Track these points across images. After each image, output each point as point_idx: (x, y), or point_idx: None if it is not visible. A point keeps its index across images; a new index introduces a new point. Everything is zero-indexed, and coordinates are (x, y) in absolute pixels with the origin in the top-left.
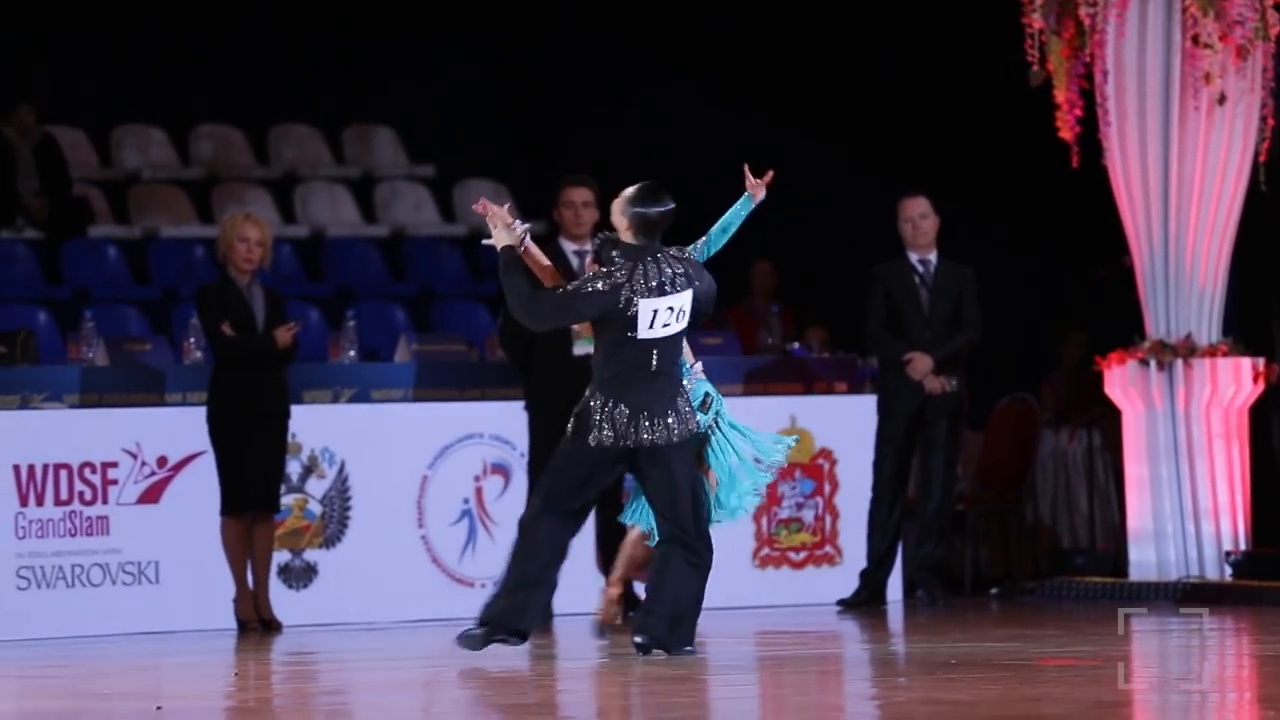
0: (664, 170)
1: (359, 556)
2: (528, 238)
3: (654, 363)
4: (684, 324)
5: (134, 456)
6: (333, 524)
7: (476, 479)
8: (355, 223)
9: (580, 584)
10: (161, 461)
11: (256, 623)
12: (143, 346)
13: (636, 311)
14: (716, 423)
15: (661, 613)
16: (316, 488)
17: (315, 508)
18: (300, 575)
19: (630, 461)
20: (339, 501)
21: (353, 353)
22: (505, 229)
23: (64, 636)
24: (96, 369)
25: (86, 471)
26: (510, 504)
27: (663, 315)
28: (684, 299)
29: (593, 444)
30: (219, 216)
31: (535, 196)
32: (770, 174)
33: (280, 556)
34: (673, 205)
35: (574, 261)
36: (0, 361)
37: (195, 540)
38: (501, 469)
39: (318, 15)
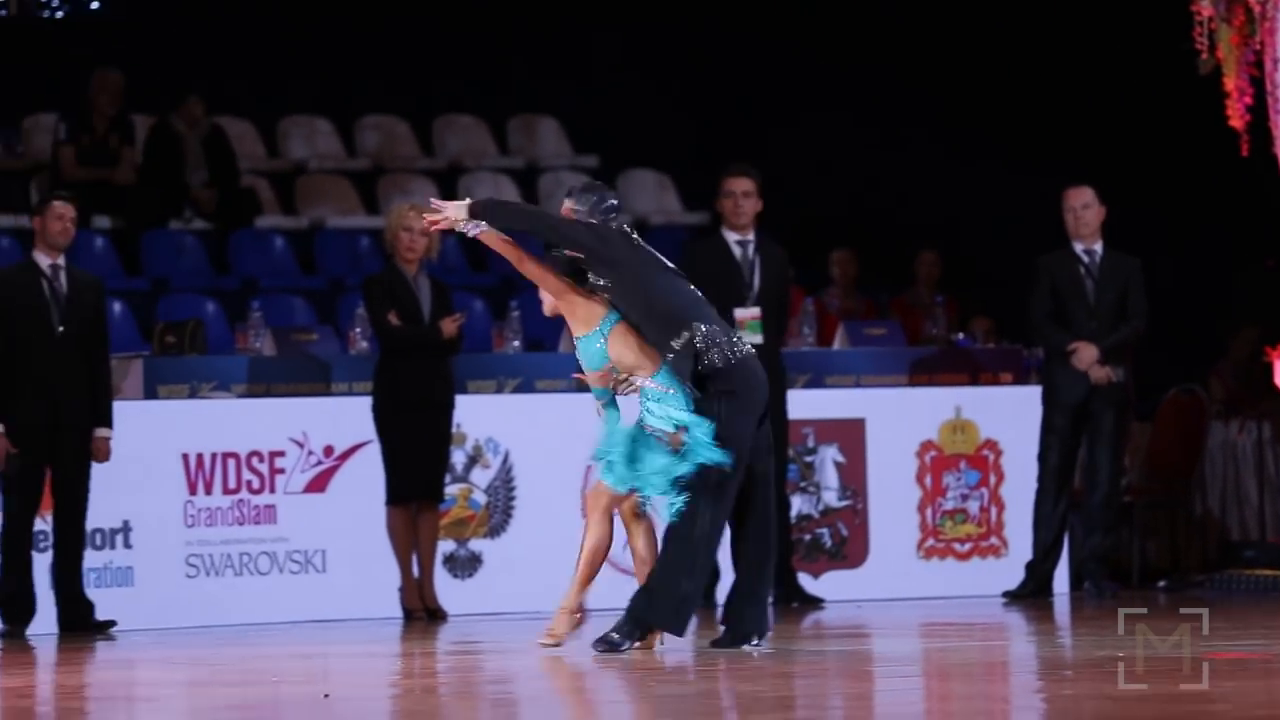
0: (827, 161)
1: (523, 546)
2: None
3: (698, 292)
4: None
5: (301, 446)
6: (497, 514)
7: None
8: None
9: None
10: (328, 451)
11: (422, 612)
12: (309, 336)
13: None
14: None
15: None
16: (481, 477)
17: (480, 497)
18: (465, 565)
19: None
20: (503, 491)
21: (516, 343)
22: (456, 206)
23: (232, 624)
24: (264, 359)
25: (254, 460)
26: None
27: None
28: None
29: (720, 365)
30: (384, 207)
31: (697, 187)
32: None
33: (445, 546)
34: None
35: (736, 252)
36: (169, 351)
37: (361, 529)
38: None
39: (483, 6)
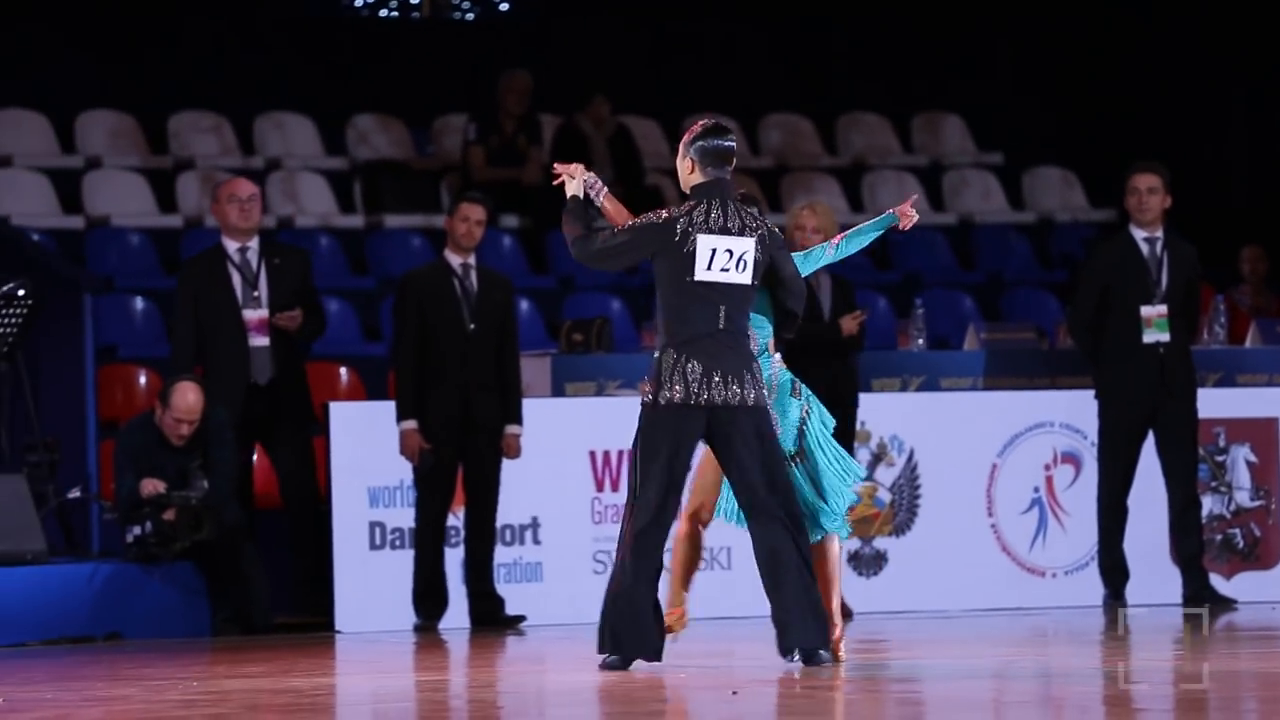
0: (1236, 156)
1: (928, 544)
2: (603, 191)
3: (721, 319)
4: (746, 277)
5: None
6: (902, 512)
7: (1047, 468)
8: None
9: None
10: None
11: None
12: None
13: (695, 248)
14: (809, 414)
15: (803, 613)
16: (886, 475)
17: (884, 496)
18: (870, 563)
19: (705, 429)
20: (908, 489)
21: (921, 341)
22: (577, 181)
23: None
24: None
25: None
26: (1081, 494)
27: (721, 257)
28: (747, 245)
29: (663, 403)
30: (788, 205)
31: (1103, 184)
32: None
33: (850, 544)
34: (734, 142)
35: (1144, 249)
36: (576, 349)
37: None
38: (1072, 458)
39: (886, 4)
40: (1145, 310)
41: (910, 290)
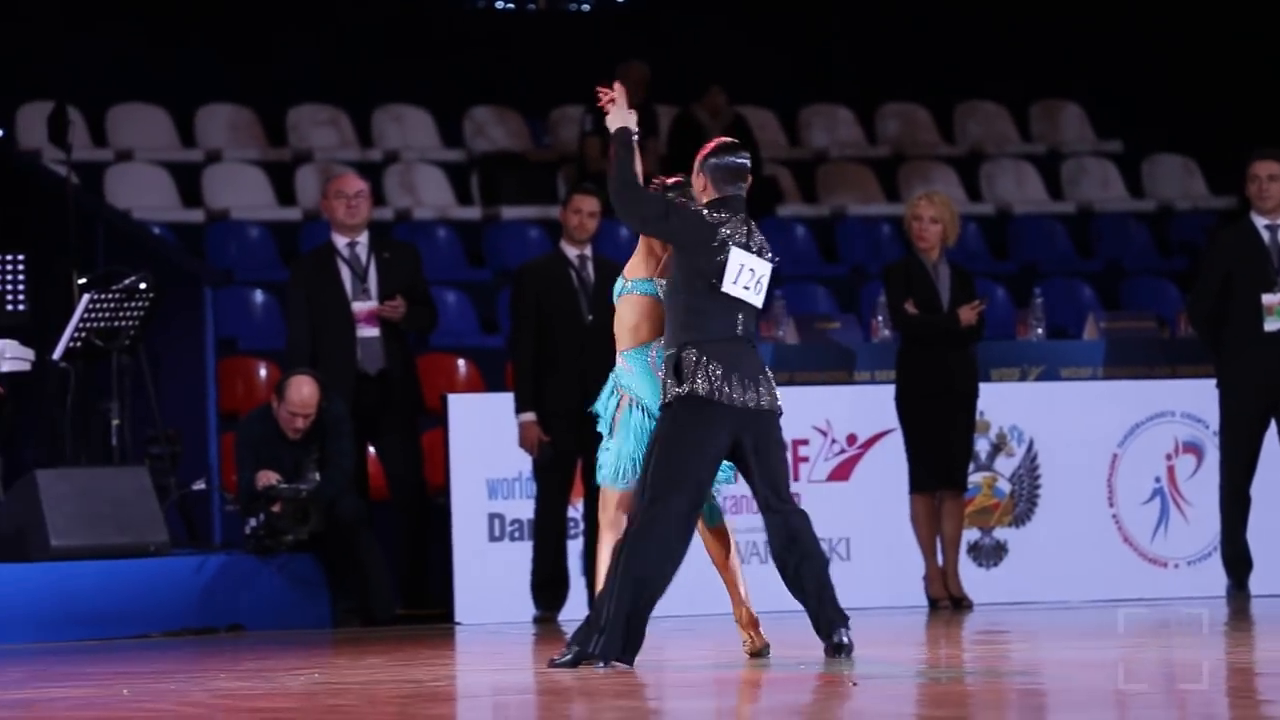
0: None
1: (1049, 535)
2: (635, 138)
3: (739, 328)
4: (760, 300)
5: (824, 434)
6: (1022, 502)
7: (1168, 457)
8: (1041, 199)
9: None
10: (851, 439)
11: (947, 600)
12: (831, 325)
13: (727, 258)
14: None
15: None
16: (1005, 466)
17: (1004, 486)
18: (990, 553)
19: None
20: (1028, 480)
21: (1040, 330)
22: (624, 112)
23: (758, 612)
24: (787, 347)
25: None
26: (1203, 483)
27: (745, 275)
28: (765, 270)
29: (685, 393)
30: (905, 195)
31: (1224, 171)
32: None
33: (970, 534)
34: (748, 160)
35: (1265, 237)
36: None
37: (885, 517)
38: (1194, 448)
39: None
40: (1266, 298)
41: (1029, 280)
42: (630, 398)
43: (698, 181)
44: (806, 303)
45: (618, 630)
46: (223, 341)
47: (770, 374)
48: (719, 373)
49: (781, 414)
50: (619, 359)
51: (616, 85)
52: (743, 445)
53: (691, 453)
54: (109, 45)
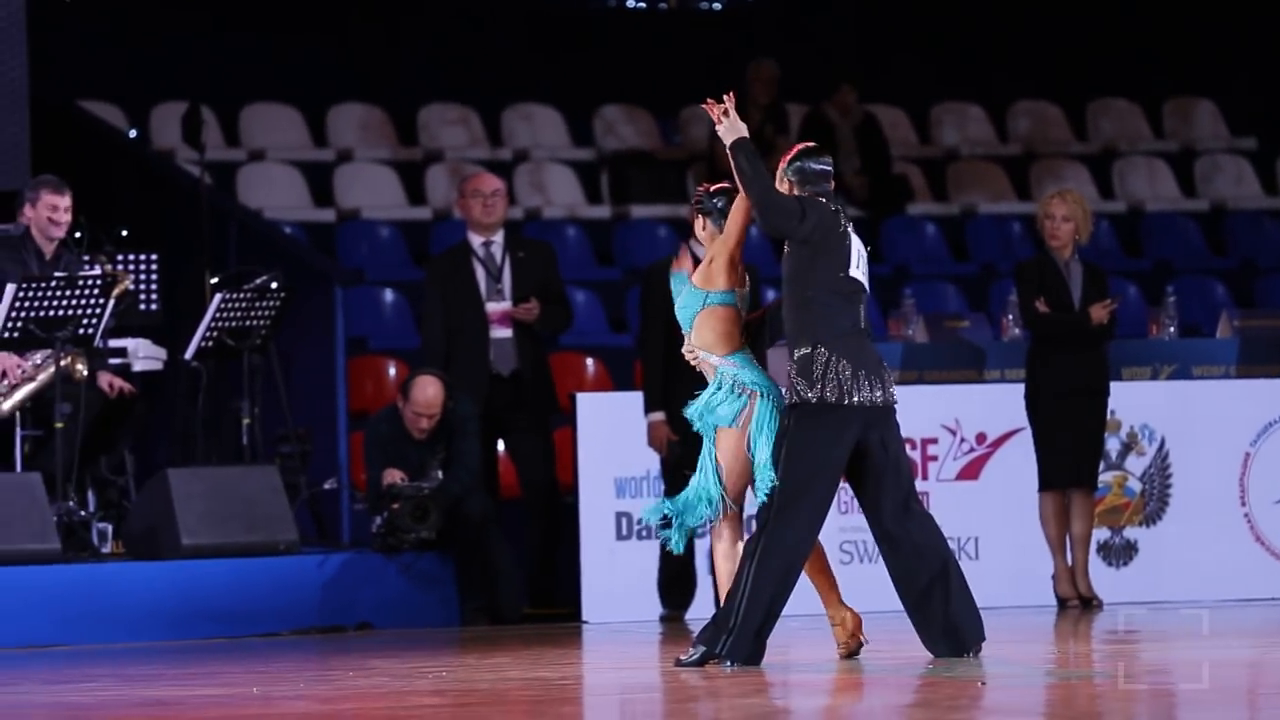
0: None
1: (1180, 534)
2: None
3: (861, 318)
4: (867, 279)
5: (953, 433)
6: (1153, 501)
7: None
8: (1174, 197)
9: None
10: (980, 438)
11: (1076, 599)
12: (961, 323)
13: (850, 243)
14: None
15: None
16: (1136, 465)
17: (1135, 485)
18: (1120, 553)
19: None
20: (1159, 479)
21: (1172, 329)
22: (735, 122)
23: (885, 610)
24: (917, 345)
25: (907, 447)
26: None
27: (857, 257)
28: (862, 248)
29: (815, 401)
30: (1036, 193)
31: None
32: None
33: (1100, 534)
34: (830, 164)
35: None
36: None
37: (1014, 516)
38: None
39: None
40: None
41: (1161, 277)
42: (756, 391)
43: (782, 187)
44: (936, 301)
45: (748, 632)
46: (353, 341)
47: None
48: (847, 373)
49: (896, 405)
50: (723, 363)
51: (726, 96)
52: (869, 441)
53: (819, 460)
54: (241, 46)
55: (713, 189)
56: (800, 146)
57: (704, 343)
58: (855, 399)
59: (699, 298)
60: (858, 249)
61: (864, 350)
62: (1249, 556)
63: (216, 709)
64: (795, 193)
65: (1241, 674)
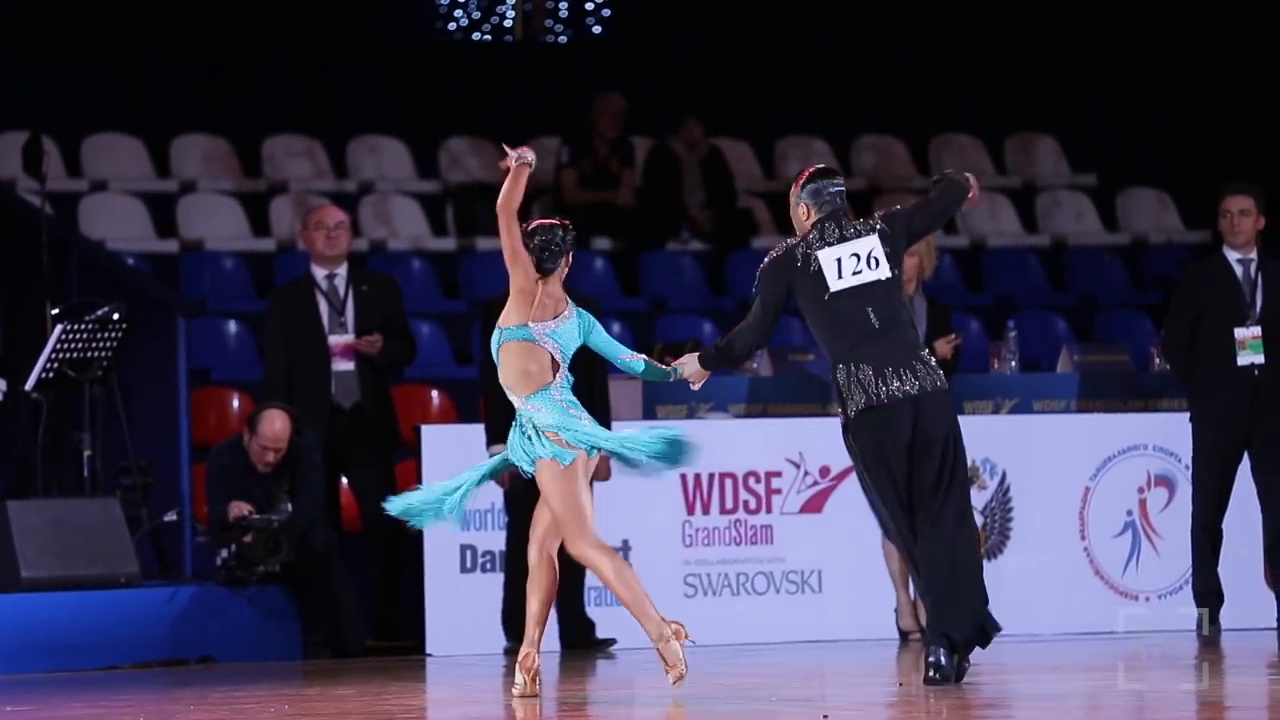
0: None
1: (1021, 567)
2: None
3: (873, 319)
4: (883, 271)
5: (797, 466)
6: (994, 534)
7: (1140, 491)
8: (1016, 232)
9: None
10: (824, 471)
11: (918, 633)
12: (806, 357)
13: (819, 266)
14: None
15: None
16: (979, 499)
17: (977, 519)
18: None
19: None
20: (1000, 512)
21: (1014, 363)
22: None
23: (729, 644)
24: (761, 379)
25: (751, 480)
26: (1175, 517)
27: (849, 262)
28: (870, 243)
29: (853, 415)
30: None
31: (1198, 205)
32: None
33: None
34: (843, 184)
35: (1237, 271)
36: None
37: (857, 550)
38: (1166, 481)
39: (978, 27)
40: (1239, 332)
41: (1003, 312)
42: (556, 434)
43: (800, 211)
44: (781, 334)
45: (963, 609)
46: (195, 372)
47: (927, 353)
48: (870, 375)
49: (947, 388)
50: (524, 406)
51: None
52: (917, 428)
53: (876, 477)
54: (84, 75)
55: (530, 227)
56: (812, 169)
57: (507, 383)
58: (885, 396)
59: (497, 336)
60: (840, 257)
61: (882, 350)
62: (1088, 590)
63: None
64: (812, 216)
65: (1080, 707)
